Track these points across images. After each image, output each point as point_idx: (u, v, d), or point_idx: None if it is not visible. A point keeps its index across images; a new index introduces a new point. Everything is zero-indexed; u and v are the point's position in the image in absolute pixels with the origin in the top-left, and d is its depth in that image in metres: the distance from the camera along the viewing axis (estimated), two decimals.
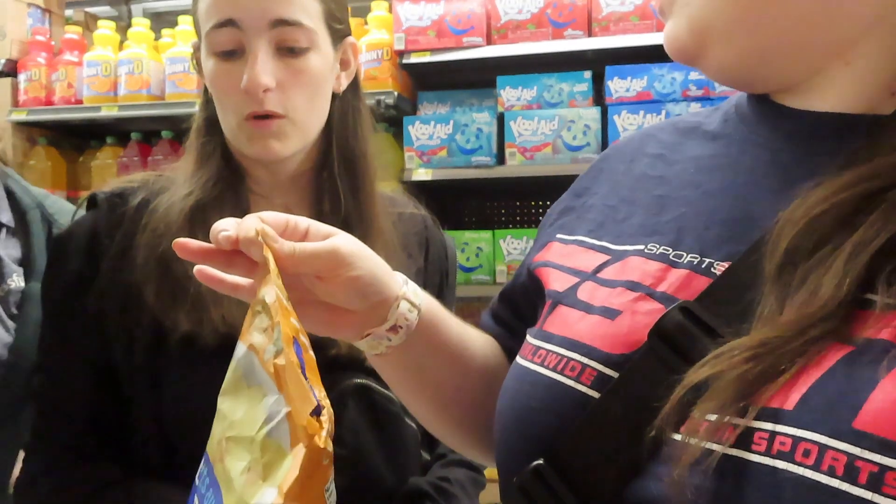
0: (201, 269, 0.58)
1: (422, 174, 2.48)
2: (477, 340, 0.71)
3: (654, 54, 2.38)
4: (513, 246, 2.54)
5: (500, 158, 2.48)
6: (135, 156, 2.93)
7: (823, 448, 0.37)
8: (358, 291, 0.59)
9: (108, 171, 2.93)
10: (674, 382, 0.44)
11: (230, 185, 0.96)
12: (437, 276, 1.07)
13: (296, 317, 0.52)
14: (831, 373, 0.39)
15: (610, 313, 0.52)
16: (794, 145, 0.52)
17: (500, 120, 2.49)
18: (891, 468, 0.35)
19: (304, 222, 0.59)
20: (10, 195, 1.38)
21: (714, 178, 0.55)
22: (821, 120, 0.51)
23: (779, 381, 0.40)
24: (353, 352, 0.88)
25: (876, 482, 0.35)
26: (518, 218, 2.97)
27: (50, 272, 0.99)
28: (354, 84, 1.02)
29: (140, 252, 0.92)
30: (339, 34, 0.98)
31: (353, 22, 2.86)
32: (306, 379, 0.48)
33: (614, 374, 0.49)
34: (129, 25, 2.99)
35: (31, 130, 3.01)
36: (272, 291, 0.52)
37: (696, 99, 2.34)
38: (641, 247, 0.55)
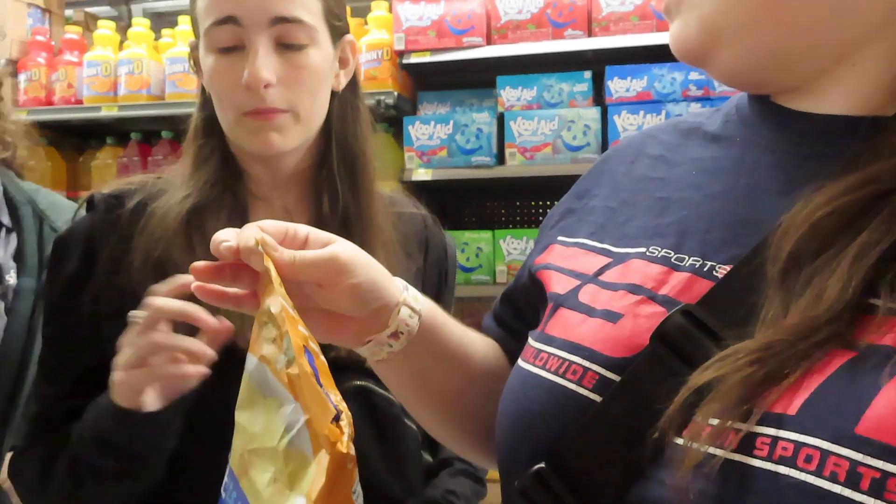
0: (201, 287, 0.58)
1: (422, 174, 2.48)
2: (478, 344, 0.71)
3: (654, 54, 2.38)
4: (513, 246, 2.54)
5: (500, 158, 2.48)
6: (135, 156, 2.93)
7: (825, 454, 0.37)
8: (358, 298, 0.60)
9: (108, 172, 2.93)
10: (676, 385, 0.44)
11: (228, 187, 0.96)
12: (435, 275, 1.07)
13: (303, 324, 0.52)
14: (834, 378, 0.39)
15: (612, 316, 0.52)
16: (797, 148, 0.52)
17: (500, 120, 2.48)
18: (893, 474, 0.35)
19: (303, 230, 0.59)
20: (3, 191, 1.38)
21: (716, 180, 0.55)
22: (823, 122, 0.51)
23: (783, 384, 0.40)
24: (352, 353, 0.88)
25: (878, 488, 0.35)
26: (518, 218, 2.97)
27: (50, 274, 0.99)
28: (353, 83, 1.02)
29: (136, 255, 0.91)
30: (338, 31, 0.98)
31: (353, 22, 2.86)
32: (321, 386, 0.48)
33: (616, 378, 0.49)
34: (129, 25, 2.99)
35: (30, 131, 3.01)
36: (277, 301, 0.52)
37: (696, 99, 2.33)
38: (643, 249, 0.55)
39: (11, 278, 1.32)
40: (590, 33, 2.44)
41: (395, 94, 2.53)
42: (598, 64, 2.49)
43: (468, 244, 2.54)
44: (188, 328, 0.81)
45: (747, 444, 0.40)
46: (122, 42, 2.89)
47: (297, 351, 0.49)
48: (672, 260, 0.52)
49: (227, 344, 0.87)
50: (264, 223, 0.57)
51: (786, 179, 0.51)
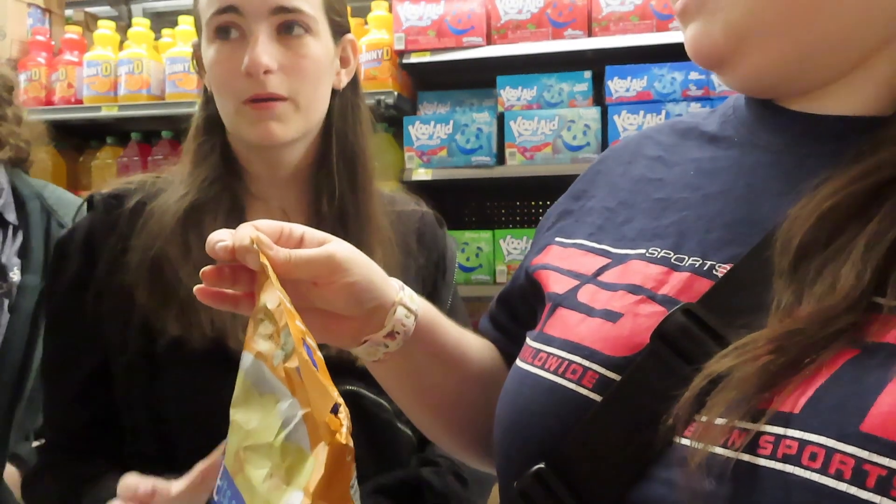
0: (201, 289, 0.58)
1: (422, 174, 2.48)
2: (475, 345, 0.71)
3: (654, 54, 2.38)
4: (513, 246, 2.54)
5: (500, 158, 2.48)
6: (135, 156, 2.93)
7: (831, 451, 0.37)
8: (354, 297, 0.59)
9: (108, 171, 2.93)
10: (678, 384, 0.44)
11: (226, 186, 0.96)
12: (432, 272, 1.06)
13: (300, 319, 0.51)
14: (838, 376, 0.39)
15: (611, 316, 0.52)
16: (796, 148, 0.52)
17: (500, 120, 2.48)
18: None
19: (298, 229, 0.59)
20: (12, 187, 1.39)
21: (714, 180, 0.55)
22: (822, 122, 0.51)
23: (802, 374, 0.40)
24: (341, 353, 0.87)
25: (884, 486, 0.35)
26: (518, 218, 2.97)
27: (51, 275, 0.99)
28: (354, 82, 1.02)
29: (134, 254, 0.91)
30: (339, 28, 0.98)
31: (353, 22, 2.87)
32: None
33: (616, 377, 0.49)
34: (129, 25, 2.99)
35: None
36: (274, 296, 0.51)
37: (696, 99, 2.33)
38: (643, 251, 0.55)
39: (15, 275, 1.33)
40: (590, 33, 2.44)
41: (395, 93, 2.53)
42: (598, 64, 2.49)
43: (468, 244, 2.54)
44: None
45: (751, 443, 0.40)
46: (122, 42, 2.89)
47: (297, 342, 0.48)
48: (672, 260, 0.52)
49: (220, 348, 0.87)
50: (259, 223, 0.57)
51: (785, 179, 0.51)
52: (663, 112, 2.33)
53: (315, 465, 0.45)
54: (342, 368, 0.91)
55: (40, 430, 1.00)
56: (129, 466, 0.92)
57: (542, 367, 0.54)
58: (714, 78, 2.33)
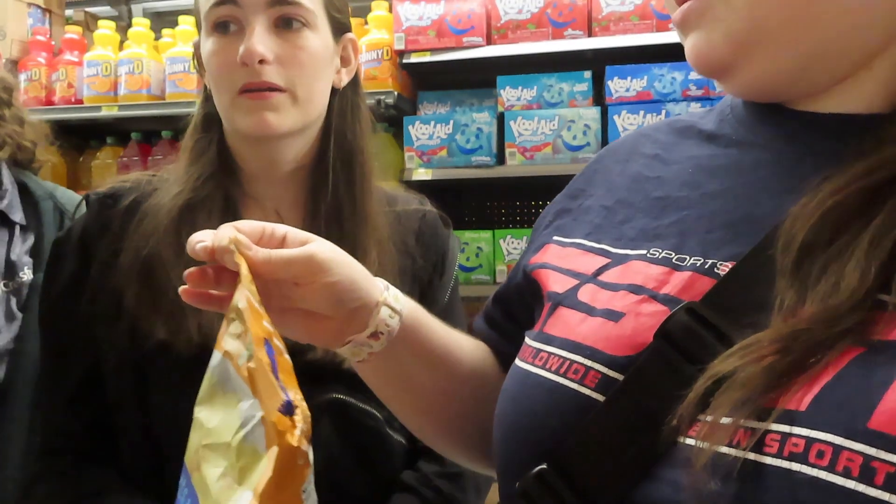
0: (186, 290, 0.58)
1: (422, 174, 2.48)
2: (465, 345, 0.70)
3: (654, 54, 2.39)
4: (513, 246, 2.54)
5: (500, 158, 2.48)
6: (135, 156, 2.93)
7: (838, 449, 0.37)
8: (336, 297, 0.59)
9: (108, 171, 2.93)
10: (682, 384, 0.44)
11: (220, 184, 0.95)
12: (429, 272, 1.05)
13: (269, 319, 0.52)
14: (843, 374, 0.39)
15: (613, 315, 0.52)
16: (796, 146, 0.52)
17: (500, 120, 2.48)
18: None
19: (280, 230, 0.59)
20: (24, 188, 1.41)
21: (714, 179, 0.55)
22: (822, 120, 0.51)
23: (807, 374, 0.40)
24: (328, 354, 0.86)
25: (893, 483, 0.35)
26: (518, 218, 2.97)
27: (47, 275, 0.99)
28: (355, 82, 1.02)
29: (127, 255, 0.91)
30: (339, 25, 0.98)
31: (353, 22, 2.86)
32: (278, 379, 0.48)
33: (619, 377, 0.49)
34: (129, 25, 2.99)
35: None
36: (244, 296, 0.52)
37: (696, 99, 2.33)
38: (643, 251, 0.55)
39: (26, 275, 1.34)
40: (590, 33, 2.44)
41: (395, 93, 2.53)
42: (598, 64, 2.49)
43: (468, 244, 2.54)
44: None
45: (757, 442, 0.40)
46: (122, 42, 2.88)
47: (256, 343, 0.48)
48: (673, 261, 0.52)
49: (207, 354, 0.86)
50: (241, 223, 0.57)
51: (785, 177, 0.51)
52: (663, 112, 2.33)
53: (266, 467, 0.46)
54: (329, 376, 0.90)
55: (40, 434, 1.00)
56: (123, 471, 0.92)
57: (542, 367, 0.53)
58: None
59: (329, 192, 0.97)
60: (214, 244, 0.55)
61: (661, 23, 2.37)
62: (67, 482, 0.92)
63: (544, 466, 0.49)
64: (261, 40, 0.88)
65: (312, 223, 0.97)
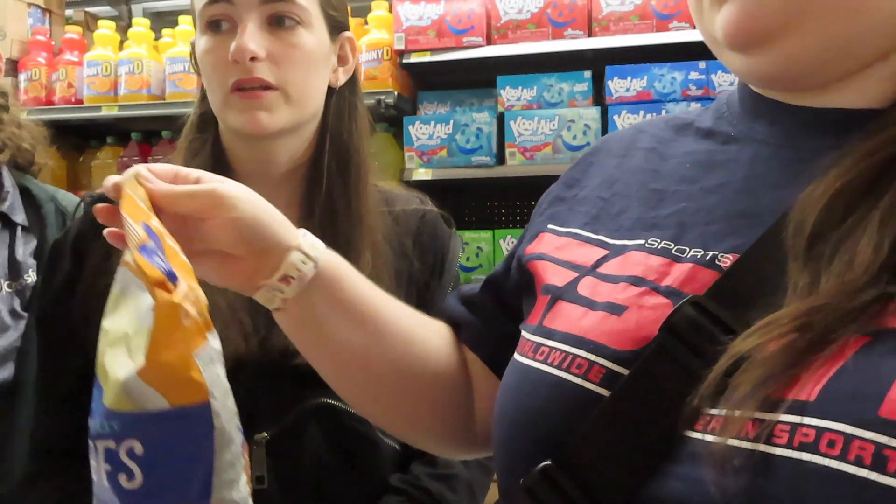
0: (111, 231, 0.60)
1: (422, 174, 2.48)
2: (409, 317, 0.69)
3: (654, 54, 2.39)
4: (513, 246, 2.53)
5: (500, 158, 2.48)
6: (135, 156, 2.94)
7: (849, 438, 0.37)
8: (238, 233, 0.60)
9: (109, 171, 2.93)
10: (688, 378, 0.44)
11: None
12: (426, 274, 1.03)
13: (156, 217, 0.54)
14: (851, 363, 0.39)
15: (615, 309, 0.51)
16: (795, 141, 0.52)
17: (500, 120, 2.49)
18: None
19: (195, 173, 0.61)
20: (26, 191, 1.42)
21: (712, 173, 0.55)
22: (822, 115, 0.51)
23: (828, 350, 0.40)
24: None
25: None
26: (518, 218, 2.97)
27: (44, 277, 0.99)
28: (353, 82, 1.01)
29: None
30: (336, 24, 0.97)
31: (353, 22, 2.86)
32: (162, 252, 0.51)
33: (624, 372, 0.48)
34: (129, 25, 2.99)
35: None
36: (132, 205, 0.53)
37: (696, 99, 2.34)
38: (641, 241, 0.54)
39: (30, 277, 1.35)
40: (590, 33, 2.44)
41: (395, 93, 2.53)
42: (598, 64, 2.49)
43: (468, 244, 2.54)
44: None
45: (766, 434, 0.39)
46: (122, 42, 2.89)
47: (136, 222, 0.51)
48: (672, 251, 0.52)
49: None
50: (154, 165, 0.60)
51: (784, 172, 0.51)
52: (663, 112, 2.33)
53: (152, 332, 0.47)
54: (317, 381, 0.88)
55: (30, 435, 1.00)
56: None
57: (544, 362, 0.53)
58: (714, 78, 2.34)
59: (324, 193, 0.96)
60: (122, 180, 0.57)
61: (661, 23, 2.37)
62: (62, 482, 0.92)
63: (549, 463, 0.49)
64: (252, 38, 0.88)
65: (307, 224, 0.96)
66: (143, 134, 2.99)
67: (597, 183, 0.63)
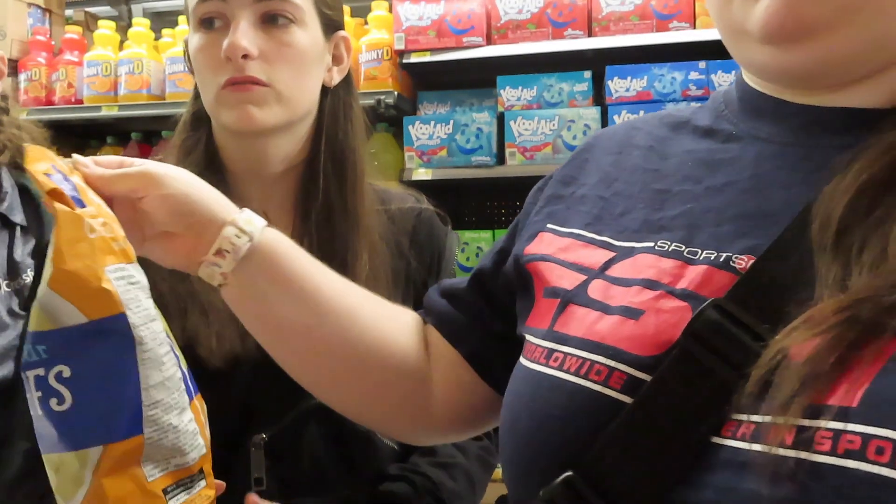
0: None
1: (422, 174, 2.48)
2: (356, 296, 0.69)
3: (654, 54, 2.38)
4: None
5: (500, 158, 2.48)
6: (135, 156, 2.92)
7: None
8: (171, 210, 0.63)
9: None
10: (714, 383, 0.43)
11: (207, 183, 0.92)
12: (423, 273, 1.02)
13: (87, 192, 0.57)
14: (891, 366, 0.38)
15: (632, 313, 0.50)
16: (801, 140, 0.52)
17: (500, 120, 2.48)
18: None
19: (138, 162, 0.64)
20: (26, 191, 1.42)
21: (716, 173, 0.54)
22: (828, 115, 0.51)
23: (880, 341, 0.39)
24: None
25: None
26: None
27: (35, 279, 0.98)
28: (348, 81, 1.00)
29: None
30: (330, 22, 0.96)
31: (353, 22, 2.86)
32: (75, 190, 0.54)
33: (646, 378, 0.47)
34: (129, 25, 2.99)
35: None
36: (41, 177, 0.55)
37: (697, 99, 2.33)
38: (650, 244, 0.53)
39: (29, 276, 1.36)
40: (590, 33, 2.44)
41: (395, 93, 2.53)
42: (598, 64, 2.49)
43: (468, 244, 2.54)
44: None
45: (806, 440, 0.38)
46: (122, 42, 2.88)
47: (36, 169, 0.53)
48: (684, 253, 0.51)
49: (190, 358, 0.85)
50: (99, 157, 0.63)
51: (793, 171, 0.50)
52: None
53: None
54: None
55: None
56: None
57: (559, 369, 0.51)
58: (714, 78, 2.34)
59: (319, 194, 0.95)
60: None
61: (661, 23, 2.37)
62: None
63: (571, 474, 0.47)
64: (245, 35, 0.87)
65: (303, 226, 0.96)
66: (143, 134, 2.99)
67: (594, 181, 0.62)
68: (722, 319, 0.45)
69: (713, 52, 2.25)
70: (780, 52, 0.49)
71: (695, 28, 2.35)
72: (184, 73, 2.73)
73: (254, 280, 0.65)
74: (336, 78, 0.98)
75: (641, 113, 2.36)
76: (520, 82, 2.50)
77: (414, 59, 2.54)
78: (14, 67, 2.95)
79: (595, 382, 0.48)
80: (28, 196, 1.43)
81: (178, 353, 0.58)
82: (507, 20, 2.48)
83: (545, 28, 2.45)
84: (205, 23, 0.91)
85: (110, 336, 0.51)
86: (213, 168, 0.95)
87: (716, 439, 0.42)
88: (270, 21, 0.90)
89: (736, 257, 0.48)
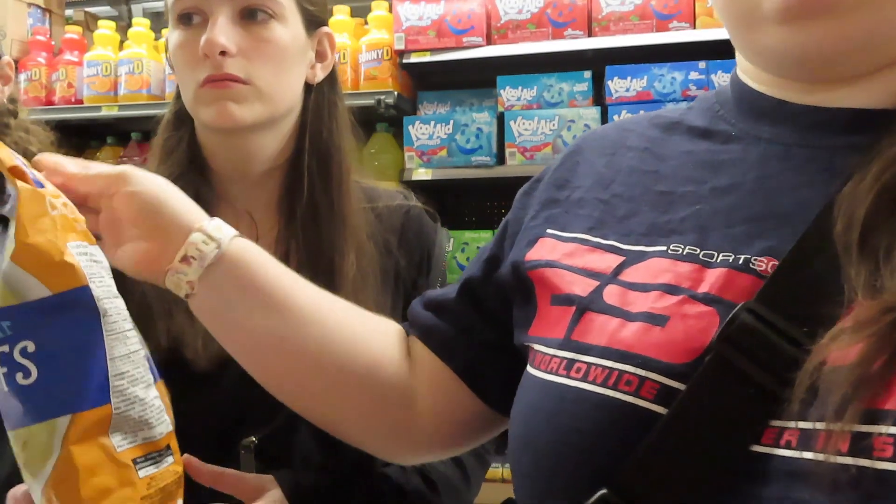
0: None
1: (422, 174, 2.48)
2: (331, 305, 0.67)
3: (654, 54, 2.38)
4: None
5: (500, 158, 2.48)
6: (135, 156, 2.93)
7: None
8: (139, 208, 0.61)
9: None
10: (753, 390, 0.42)
11: (191, 184, 0.89)
12: (413, 272, 1.01)
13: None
14: None
15: (657, 319, 0.48)
16: (807, 141, 0.51)
17: (500, 120, 2.48)
18: None
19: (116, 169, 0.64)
20: None
21: (719, 174, 0.54)
22: (831, 115, 0.50)
23: None
24: None
25: None
26: None
27: None
28: (332, 78, 0.99)
29: None
30: (312, 18, 0.95)
31: (353, 22, 2.85)
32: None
33: (680, 386, 0.45)
34: (129, 25, 2.99)
35: None
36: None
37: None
38: (662, 248, 0.52)
39: None
40: (590, 33, 2.44)
41: (395, 93, 2.53)
42: (598, 64, 2.49)
43: (468, 244, 2.54)
44: None
45: (865, 447, 0.37)
46: (122, 42, 2.89)
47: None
48: (700, 256, 0.50)
49: (176, 362, 0.84)
50: (65, 161, 0.64)
51: (802, 172, 0.50)
52: None
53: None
54: None
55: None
56: None
57: (583, 380, 0.48)
58: (714, 78, 2.34)
59: (304, 193, 0.94)
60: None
61: (661, 23, 2.37)
62: None
63: (605, 491, 0.45)
64: (222, 31, 0.86)
65: (288, 226, 0.94)
66: (143, 134, 2.98)
67: (589, 183, 0.60)
68: (757, 324, 0.43)
69: (713, 52, 2.25)
70: (796, 31, 0.48)
71: (695, 28, 2.35)
72: None
73: (221, 288, 0.63)
74: (320, 75, 0.97)
75: (641, 113, 2.36)
76: (520, 82, 2.50)
77: (414, 59, 2.54)
78: (14, 67, 2.95)
79: (625, 393, 0.46)
80: None
81: (142, 339, 0.58)
82: (507, 20, 2.48)
83: (545, 28, 2.46)
84: (183, 19, 0.90)
85: (75, 308, 0.51)
86: (196, 168, 0.94)
87: (757, 448, 0.41)
88: (249, 17, 0.89)
89: (755, 259, 0.47)
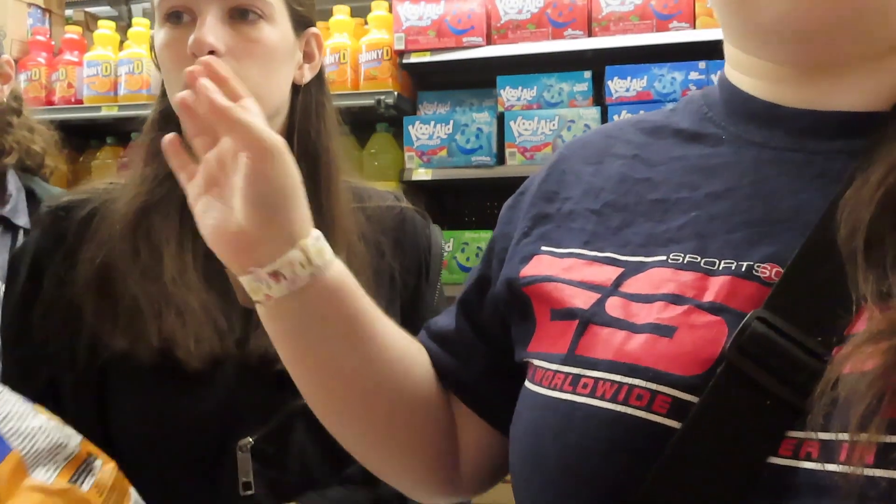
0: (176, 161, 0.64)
1: (422, 174, 2.48)
2: (401, 341, 0.65)
3: (654, 54, 2.39)
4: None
5: (500, 158, 2.48)
6: None
7: None
8: (257, 189, 0.57)
9: (108, 171, 2.93)
10: (769, 401, 0.42)
11: (178, 185, 0.86)
12: (413, 276, 1.00)
13: None
14: None
15: (663, 330, 0.47)
16: (801, 145, 0.50)
17: (500, 120, 2.49)
18: None
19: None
20: (31, 193, 1.42)
21: (712, 179, 0.53)
22: (824, 118, 0.50)
23: None
24: None
25: None
26: None
27: (5, 292, 0.96)
28: (320, 79, 0.99)
29: (83, 267, 0.88)
30: (301, 19, 0.95)
31: (353, 22, 2.85)
32: None
33: (693, 399, 0.44)
34: (129, 25, 2.99)
35: None
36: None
37: None
38: (662, 257, 0.51)
39: None
40: (590, 33, 2.44)
41: (395, 93, 2.53)
42: (598, 64, 2.49)
43: (468, 244, 2.54)
44: None
45: (892, 459, 0.36)
46: (122, 42, 2.89)
47: None
48: (701, 264, 0.49)
49: (169, 362, 0.84)
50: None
51: (797, 177, 0.49)
52: None
53: None
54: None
55: None
56: None
57: (591, 396, 0.47)
58: (714, 78, 2.33)
59: None
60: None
61: (661, 23, 2.37)
62: None
63: None
64: (211, 30, 0.84)
65: None
66: None
67: (578, 194, 0.59)
68: (769, 333, 0.43)
69: (713, 52, 2.24)
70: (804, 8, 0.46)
71: (695, 28, 2.36)
72: None
73: (301, 314, 0.58)
74: (307, 76, 0.96)
75: (641, 113, 2.36)
76: (520, 82, 2.50)
77: (414, 59, 2.54)
78: (14, 66, 2.95)
79: (637, 408, 0.45)
80: (34, 199, 1.43)
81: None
82: (507, 20, 2.48)
83: (545, 28, 2.46)
84: (171, 17, 0.89)
85: None
86: None
87: (777, 460, 0.41)
88: (239, 16, 0.88)
89: (759, 266, 0.47)
